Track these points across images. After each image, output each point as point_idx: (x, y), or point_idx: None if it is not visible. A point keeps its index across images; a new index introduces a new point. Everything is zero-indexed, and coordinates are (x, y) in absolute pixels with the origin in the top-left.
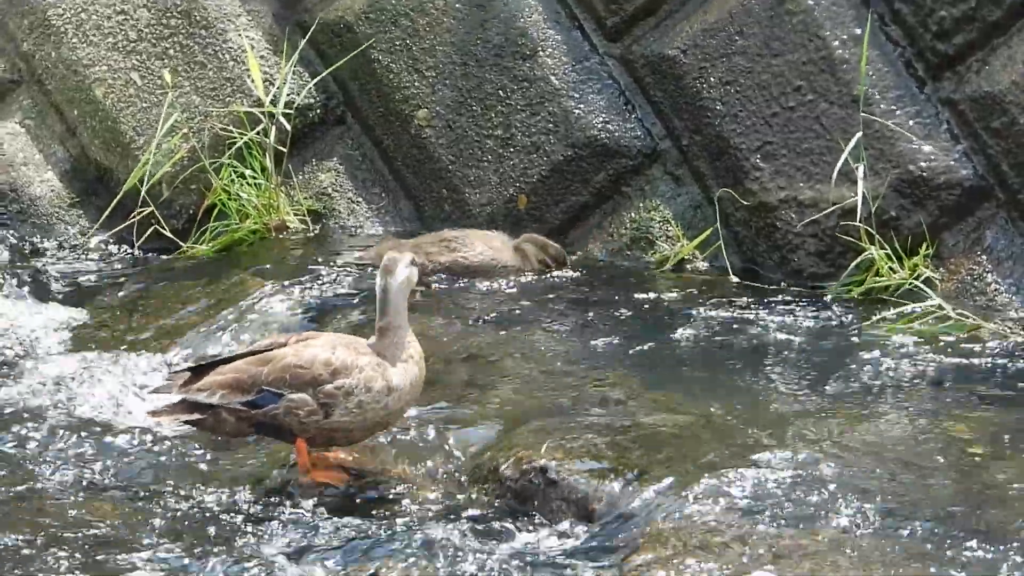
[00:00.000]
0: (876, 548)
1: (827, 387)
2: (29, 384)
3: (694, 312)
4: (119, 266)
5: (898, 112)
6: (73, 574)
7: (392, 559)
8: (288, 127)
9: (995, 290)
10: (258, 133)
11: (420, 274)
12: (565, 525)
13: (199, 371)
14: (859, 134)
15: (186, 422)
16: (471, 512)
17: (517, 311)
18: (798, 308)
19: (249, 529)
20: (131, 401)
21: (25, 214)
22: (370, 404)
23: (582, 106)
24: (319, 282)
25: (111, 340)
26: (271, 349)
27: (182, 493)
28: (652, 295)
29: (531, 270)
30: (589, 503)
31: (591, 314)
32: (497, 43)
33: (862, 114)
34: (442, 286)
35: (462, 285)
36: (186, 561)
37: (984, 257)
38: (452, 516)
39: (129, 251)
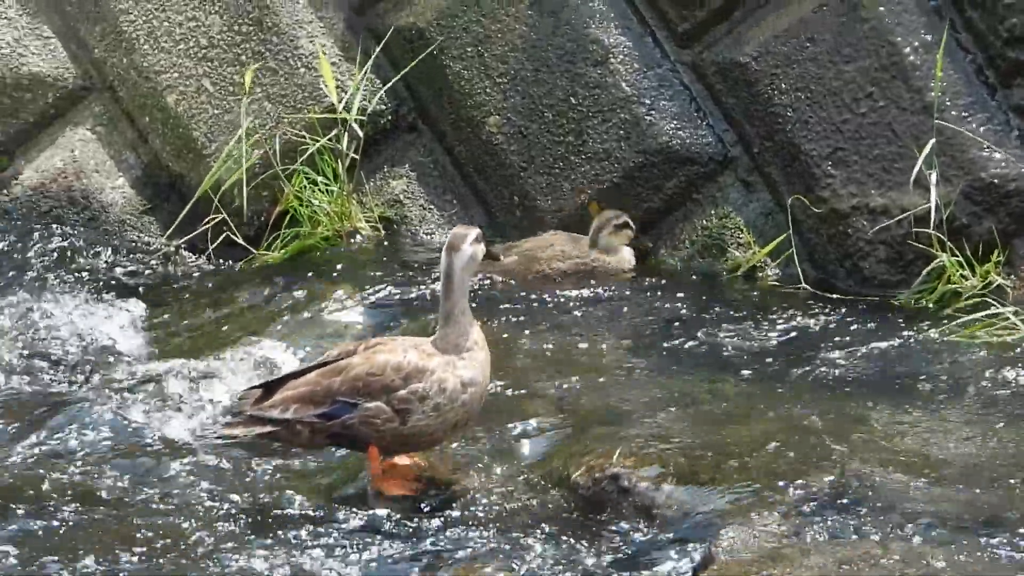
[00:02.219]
0: (948, 563)
1: (898, 396)
2: (100, 391)
3: (766, 319)
4: (191, 273)
5: (969, 119)
6: None
7: (465, 566)
8: (360, 134)
9: None
10: (330, 140)
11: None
12: (636, 533)
13: (270, 387)
14: (932, 141)
15: (260, 435)
16: (542, 519)
17: (585, 316)
18: (869, 316)
19: (321, 538)
20: (202, 407)
21: (97, 220)
22: (447, 405)
23: (654, 112)
24: (390, 289)
25: (183, 347)
26: (341, 359)
27: (256, 503)
28: (724, 302)
29: None
30: (661, 511)
31: (662, 321)
32: (568, 49)
33: (936, 121)
34: (500, 290)
35: (515, 287)
36: (261, 570)
37: None
38: (523, 523)
39: (201, 258)
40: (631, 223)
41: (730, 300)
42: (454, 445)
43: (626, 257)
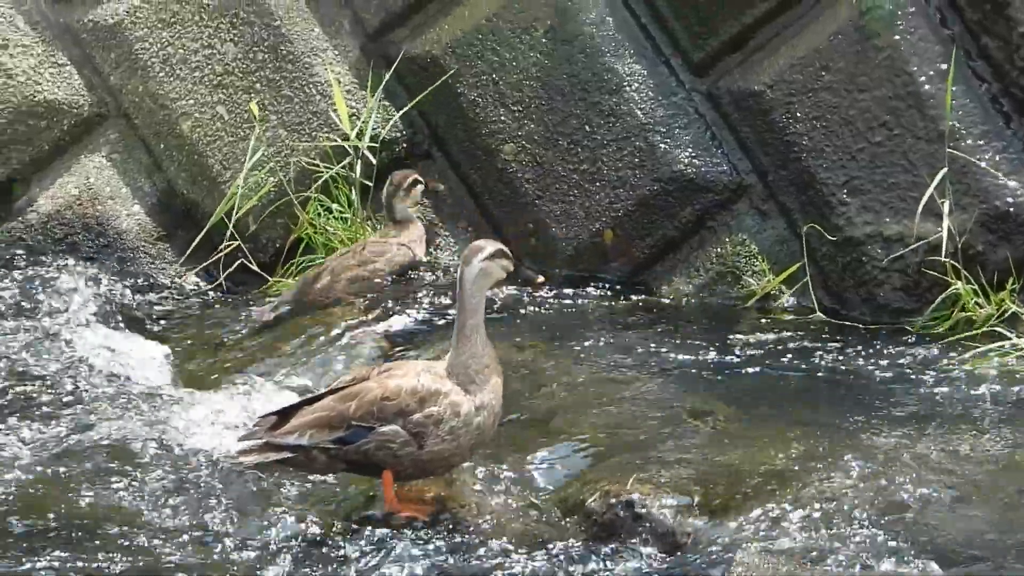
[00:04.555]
0: None
1: (914, 424)
2: (115, 416)
3: (780, 347)
4: (206, 299)
5: (984, 147)
6: None
7: None
8: (374, 161)
9: None
10: (344, 167)
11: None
12: (651, 559)
13: (285, 414)
14: (944, 169)
15: (276, 461)
16: (558, 545)
17: (600, 343)
18: (884, 343)
19: (334, 563)
20: (218, 435)
21: (112, 247)
22: (461, 428)
23: (668, 141)
24: (405, 314)
25: (198, 373)
26: (355, 384)
27: (268, 527)
28: (738, 329)
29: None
30: (675, 537)
31: (676, 348)
32: (583, 78)
33: (948, 150)
34: (515, 312)
35: (533, 311)
36: None
37: None
38: (538, 549)
39: (215, 284)
40: (420, 178)
41: (745, 328)
42: (468, 467)
43: (416, 236)
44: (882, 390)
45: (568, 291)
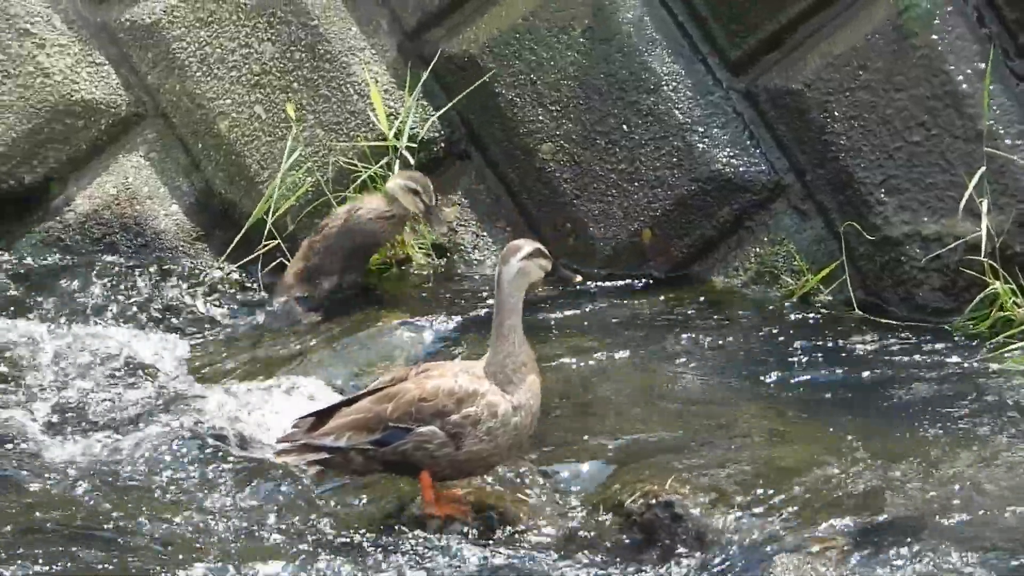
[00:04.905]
0: None
1: (952, 424)
2: (153, 415)
3: (819, 346)
4: (242, 299)
5: (1022, 147)
6: None
7: None
8: (412, 161)
9: None
10: (382, 167)
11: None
12: (689, 560)
13: (323, 415)
14: (983, 169)
15: (314, 462)
16: (596, 545)
17: (638, 342)
18: (923, 343)
19: (372, 563)
20: (256, 434)
21: (150, 247)
22: (499, 428)
23: (706, 140)
24: (443, 315)
25: (236, 373)
26: (393, 385)
27: (306, 528)
28: (777, 329)
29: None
30: (714, 538)
31: (715, 347)
32: (621, 77)
33: (986, 149)
34: (555, 311)
35: (572, 310)
36: None
37: None
38: (576, 549)
39: (254, 284)
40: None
41: (783, 327)
42: (506, 471)
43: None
44: (921, 389)
45: (606, 290)
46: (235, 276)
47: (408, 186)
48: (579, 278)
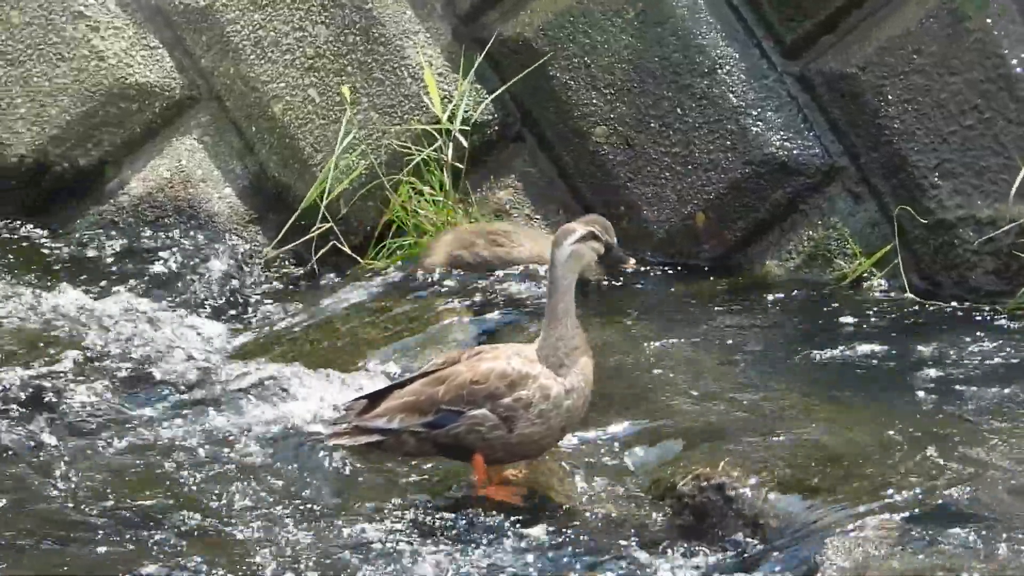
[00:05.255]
0: None
1: (1007, 405)
2: (206, 399)
3: (872, 329)
4: (297, 282)
5: None
6: None
7: (571, 574)
8: (465, 144)
9: None
10: (436, 150)
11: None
12: (742, 542)
13: (375, 398)
14: None
15: (366, 444)
16: (648, 528)
17: (691, 325)
18: (976, 326)
19: (424, 546)
20: (309, 418)
21: (203, 230)
22: (551, 411)
23: (760, 123)
24: (496, 297)
25: (288, 356)
26: (445, 367)
27: (358, 510)
28: (829, 312)
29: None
30: (766, 520)
31: (768, 330)
32: (675, 60)
33: None
34: (608, 294)
35: (624, 292)
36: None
37: None
38: (629, 533)
39: (307, 267)
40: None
41: (836, 310)
42: (558, 454)
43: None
44: (974, 372)
45: (659, 273)
46: (288, 259)
47: (586, 231)
48: (632, 261)
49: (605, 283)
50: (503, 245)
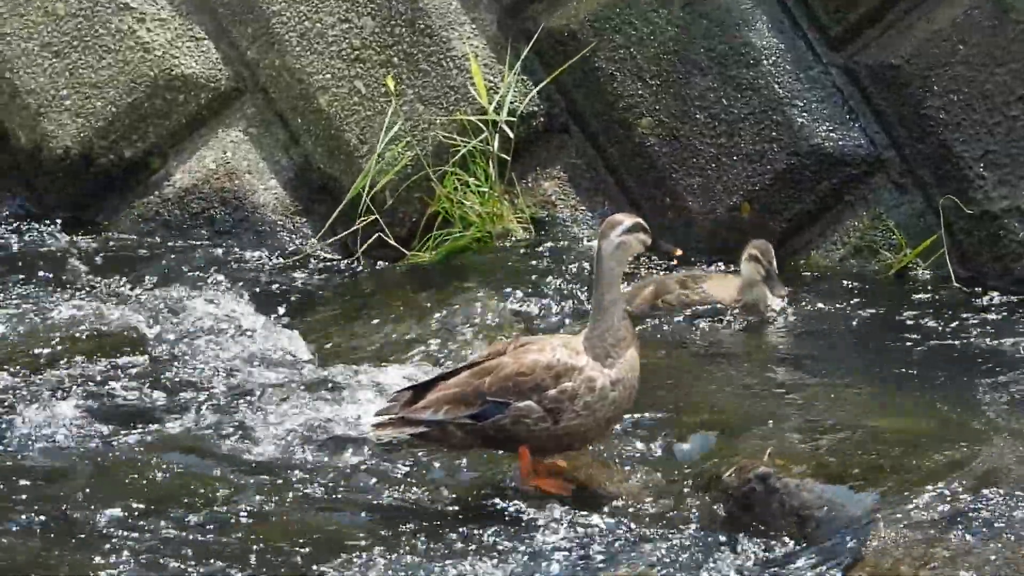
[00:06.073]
0: None
1: None
2: (251, 392)
3: (917, 320)
4: (343, 274)
5: None
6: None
7: (614, 567)
8: (511, 135)
9: None
10: (481, 141)
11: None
12: (786, 533)
13: (421, 389)
14: None
15: (412, 435)
16: (693, 519)
17: (734, 316)
18: (1021, 317)
19: (469, 537)
20: (355, 409)
21: (248, 221)
22: (597, 403)
23: (806, 115)
24: (542, 289)
25: (336, 349)
26: (491, 359)
27: (405, 501)
28: (874, 302)
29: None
30: (810, 510)
31: (811, 320)
32: (720, 51)
33: None
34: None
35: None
36: (409, 567)
37: None
38: (674, 525)
39: (353, 259)
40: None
41: (881, 301)
42: (604, 446)
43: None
44: (1018, 362)
45: (705, 264)
46: (334, 250)
47: (749, 253)
48: (679, 251)
49: (775, 312)
50: (688, 287)
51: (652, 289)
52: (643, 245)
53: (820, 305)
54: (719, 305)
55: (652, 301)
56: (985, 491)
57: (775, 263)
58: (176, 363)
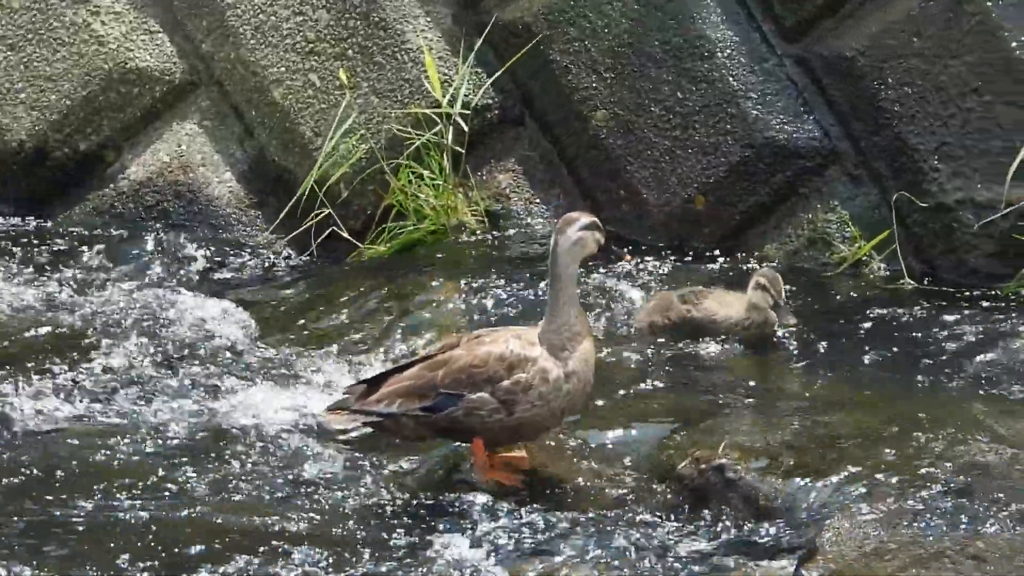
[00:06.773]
0: None
1: (1005, 387)
2: (204, 384)
3: (871, 313)
4: (297, 266)
5: None
6: (247, 571)
7: (569, 558)
8: (465, 128)
9: None
10: (436, 134)
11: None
12: (741, 524)
13: (374, 383)
14: None
15: (365, 424)
16: (648, 511)
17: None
18: (975, 309)
19: (422, 528)
20: (304, 401)
21: (203, 214)
22: (551, 394)
23: (760, 107)
24: (496, 281)
25: (287, 341)
26: (444, 352)
27: (356, 493)
28: (829, 296)
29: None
30: (766, 502)
31: None
32: (675, 44)
33: None
34: (610, 279)
35: (628, 279)
36: (362, 558)
37: None
38: (629, 515)
39: (306, 252)
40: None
41: (835, 293)
42: (558, 436)
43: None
44: (973, 355)
45: (659, 257)
46: (288, 243)
47: (757, 282)
48: (628, 257)
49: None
50: (689, 303)
51: (653, 305)
52: (597, 244)
53: None
54: (721, 323)
55: (653, 317)
56: (938, 483)
57: (783, 292)
58: (125, 354)
